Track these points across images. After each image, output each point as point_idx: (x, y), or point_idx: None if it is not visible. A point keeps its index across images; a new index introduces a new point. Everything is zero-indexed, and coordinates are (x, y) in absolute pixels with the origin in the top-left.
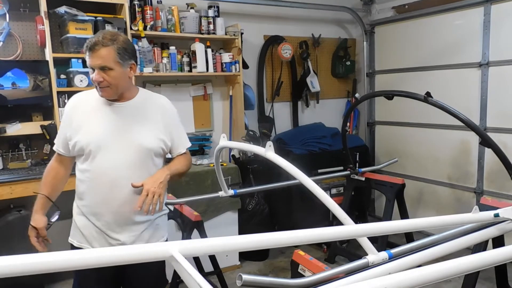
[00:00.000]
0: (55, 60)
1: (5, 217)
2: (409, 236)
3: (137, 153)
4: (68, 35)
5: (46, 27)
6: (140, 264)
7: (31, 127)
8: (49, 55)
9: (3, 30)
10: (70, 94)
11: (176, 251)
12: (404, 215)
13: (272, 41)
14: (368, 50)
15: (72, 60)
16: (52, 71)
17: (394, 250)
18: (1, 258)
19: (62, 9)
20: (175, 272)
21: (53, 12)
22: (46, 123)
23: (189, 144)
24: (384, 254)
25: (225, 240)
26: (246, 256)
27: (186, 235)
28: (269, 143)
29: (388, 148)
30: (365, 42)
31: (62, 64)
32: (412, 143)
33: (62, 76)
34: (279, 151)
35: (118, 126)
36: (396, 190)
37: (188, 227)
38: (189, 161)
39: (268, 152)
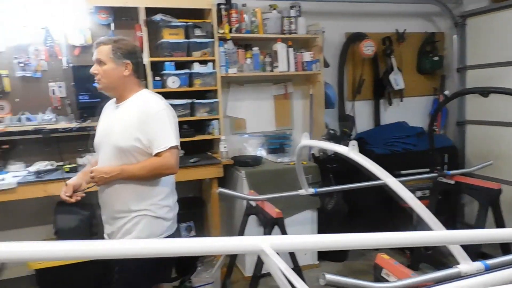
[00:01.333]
0: (151, 63)
1: None
2: (505, 247)
3: (114, 152)
4: (162, 40)
5: (144, 33)
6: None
7: None
8: (145, 59)
9: None
10: (164, 94)
11: (268, 245)
12: (499, 223)
13: (354, 39)
14: (459, 44)
15: (166, 63)
16: (149, 73)
17: (491, 261)
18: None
19: (158, 17)
20: (256, 266)
21: (150, 20)
22: None
23: (166, 145)
24: (479, 265)
25: (317, 238)
26: (324, 256)
27: (267, 231)
28: (353, 143)
29: (481, 149)
30: (455, 36)
31: (157, 67)
32: (508, 145)
33: (157, 78)
34: (360, 150)
35: (107, 126)
36: (491, 196)
37: (270, 223)
38: (158, 165)
39: (352, 151)
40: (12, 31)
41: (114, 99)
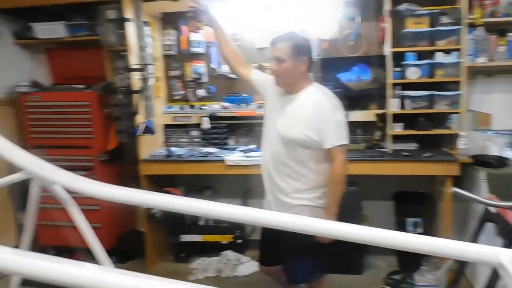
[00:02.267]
0: (392, 54)
1: None
2: None
3: (281, 140)
4: (405, 30)
5: (388, 24)
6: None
7: (367, 115)
8: (387, 50)
9: (354, 31)
10: (403, 85)
11: (508, 260)
12: None
13: None
14: None
15: (407, 53)
16: (389, 64)
17: None
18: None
19: (403, 7)
20: (490, 280)
21: (394, 10)
22: (379, 111)
23: (338, 142)
24: None
25: None
26: None
27: (507, 244)
28: None
29: None
30: None
31: (397, 58)
32: None
33: (397, 69)
34: None
35: (277, 115)
36: None
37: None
38: (340, 174)
39: None
40: (272, 28)
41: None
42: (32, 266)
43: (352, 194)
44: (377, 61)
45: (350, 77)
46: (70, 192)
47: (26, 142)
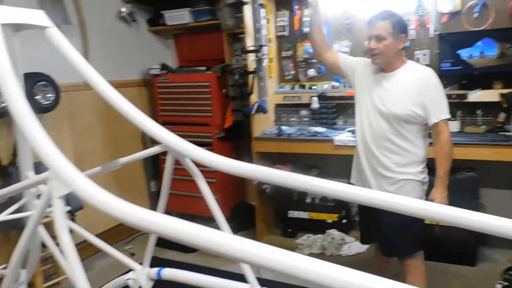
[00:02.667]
0: None
1: (455, 175)
2: None
3: (386, 118)
4: None
5: None
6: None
7: (490, 95)
8: None
9: (479, 2)
10: None
11: None
12: None
13: None
14: None
15: None
16: None
17: None
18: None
19: None
20: None
21: None
22: (505, 91)
23: (443, 116)
24: None
25: None
26: None
27: None
28: None
29: None
30: None
31: None
32: None
33: None
34: None
35: (377, 93)
36: None
37: None
38: (447, 147)
39: None
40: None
41: (370, 65)
42: (170, 227)
43: (468, 180)
44: (506, 35)
45: (472, 53)
46: (197, 165)
47: (157, 119)
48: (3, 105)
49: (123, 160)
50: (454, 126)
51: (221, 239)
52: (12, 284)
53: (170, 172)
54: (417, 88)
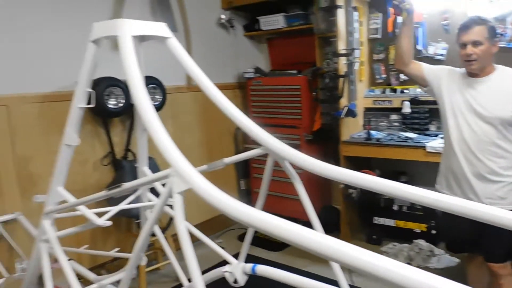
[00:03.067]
0: None
1: None
2: None
3: (491, 122)
4: None
5: None
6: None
7: None
8: None
9: None
10: None
11: None
12: None
13: None
14: None
15: None
16: None
17: None
18: None
19: None
20: None
21: None
22: None
23: None
24: None
25: None
26: None
27: None
28: None
29: None
30: None
31: None
32: None
33: None
34: None
35: (472, 99)
36: None
37: None
38: None
39: None
40: (493, 2)
41: (459, 73)
42: (277, 226)
43: None
44: None
45: None
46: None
47: None
48: (120, 105)
49: (227, 160)
50: None
51: (324, 240)
52: (134, 268)
53: (270, 174)
54: None
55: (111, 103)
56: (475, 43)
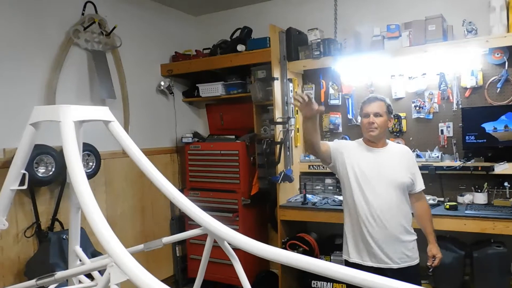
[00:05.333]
0: None
1: (484, 250)
2: None
3: (392, 186)
4: None
5: None
6: None
7: None
8: None
9: (501, 77)
10: None
11: None
12: None
13: None
14: None
15: None
16: None
17: None
18: None
19: None
20: None
21: None
22: None
23: (423, 186)
24: None
25: None
26: None
27: None
28: None
29: None
30: None
31: None
32: None
33: None
34: None
35: (377, 165)
36: None
37: None
38: (427, 205)
39: None
40: (412, 79)
41: (359, 144)
42: None
43: (498, 256)
44: None
45: (497, 127)
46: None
47: (186, 185)
48: (50, 173)
49: (165, 240)
50: (481, 198)
51: None
52: None
53: (209, 254)
54: (406, 160)
55: (41, 171)
56: (376, 114)
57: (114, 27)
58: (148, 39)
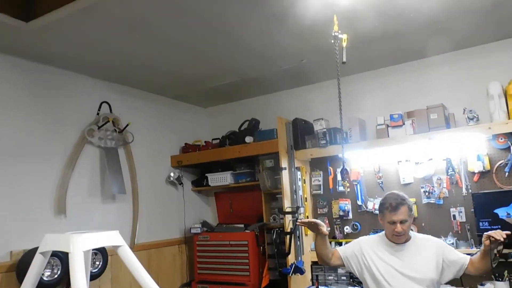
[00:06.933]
0: None
1: None
2: None
3: (422, 284)
4: None
5: None
6: None
7: None
8: None
9: (508, 161)
10: None
11: None
12: None
13: None
14: None
15: None
16: None
17: None
18: None
19: None
20: None
21: None
22: None
23: (467, 256)
24: None
25: None
26: None
27: None
28: None
29: None
30: None
31: None
32: None
33: None
34: None
35: (404, 263)
36: None
37: None
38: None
39: None
40: (419, 164)
41: (381, 239)
42: None
43: None
44: None
45: (510, 213)
46: None
47: (195, 277)
48: (55, 276)
49: None
50: (503, 287)
51: None
52: None
53: None
54: (434, 250)
55: (46, 274)
56: (402, 222)
57: (127, 125)
58: (159, 132)
